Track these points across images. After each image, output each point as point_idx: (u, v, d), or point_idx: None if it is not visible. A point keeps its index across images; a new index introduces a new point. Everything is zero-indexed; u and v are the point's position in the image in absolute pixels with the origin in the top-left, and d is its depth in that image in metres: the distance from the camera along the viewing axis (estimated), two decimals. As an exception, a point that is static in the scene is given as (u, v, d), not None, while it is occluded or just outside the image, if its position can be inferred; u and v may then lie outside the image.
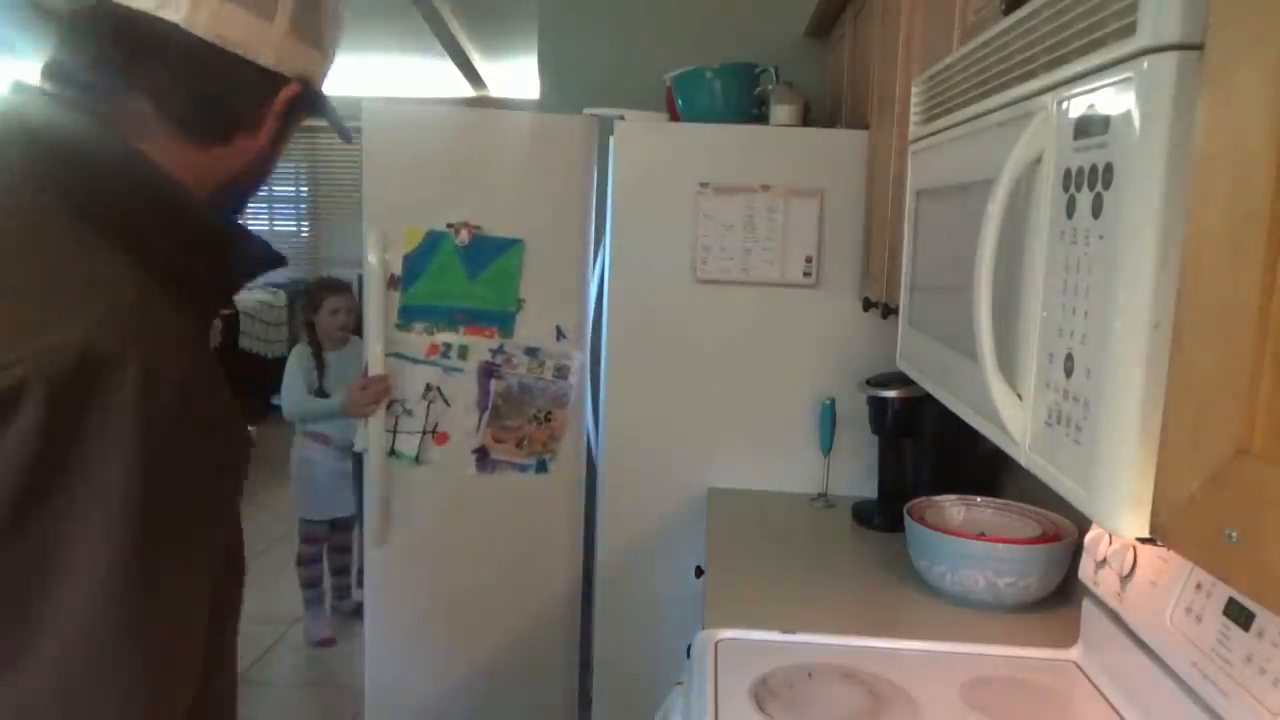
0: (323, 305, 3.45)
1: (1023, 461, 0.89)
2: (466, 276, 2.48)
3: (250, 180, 0.88)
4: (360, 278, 2.63)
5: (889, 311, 1.86)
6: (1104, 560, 1.34)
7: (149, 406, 0.67)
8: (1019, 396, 0.89)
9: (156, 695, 0.69)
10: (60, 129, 0.76)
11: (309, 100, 0.87)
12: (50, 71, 0.79)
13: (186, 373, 0.72)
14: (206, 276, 0.82)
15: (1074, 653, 1.48)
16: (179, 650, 0.72)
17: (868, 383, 2.17)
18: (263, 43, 0.80)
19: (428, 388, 2.49)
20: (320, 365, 3.37)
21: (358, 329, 3.12)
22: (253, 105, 0.83)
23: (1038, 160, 0.86)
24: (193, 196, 0.80)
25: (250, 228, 0.87)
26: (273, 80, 0.82)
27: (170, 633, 0.70)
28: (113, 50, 0.77)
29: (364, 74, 6.80)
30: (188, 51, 0.77)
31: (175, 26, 0.76)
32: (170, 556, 0.70)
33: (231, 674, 0.88)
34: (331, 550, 3.64)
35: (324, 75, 0.89)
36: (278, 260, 0.88)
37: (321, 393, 3.31)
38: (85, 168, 0.75)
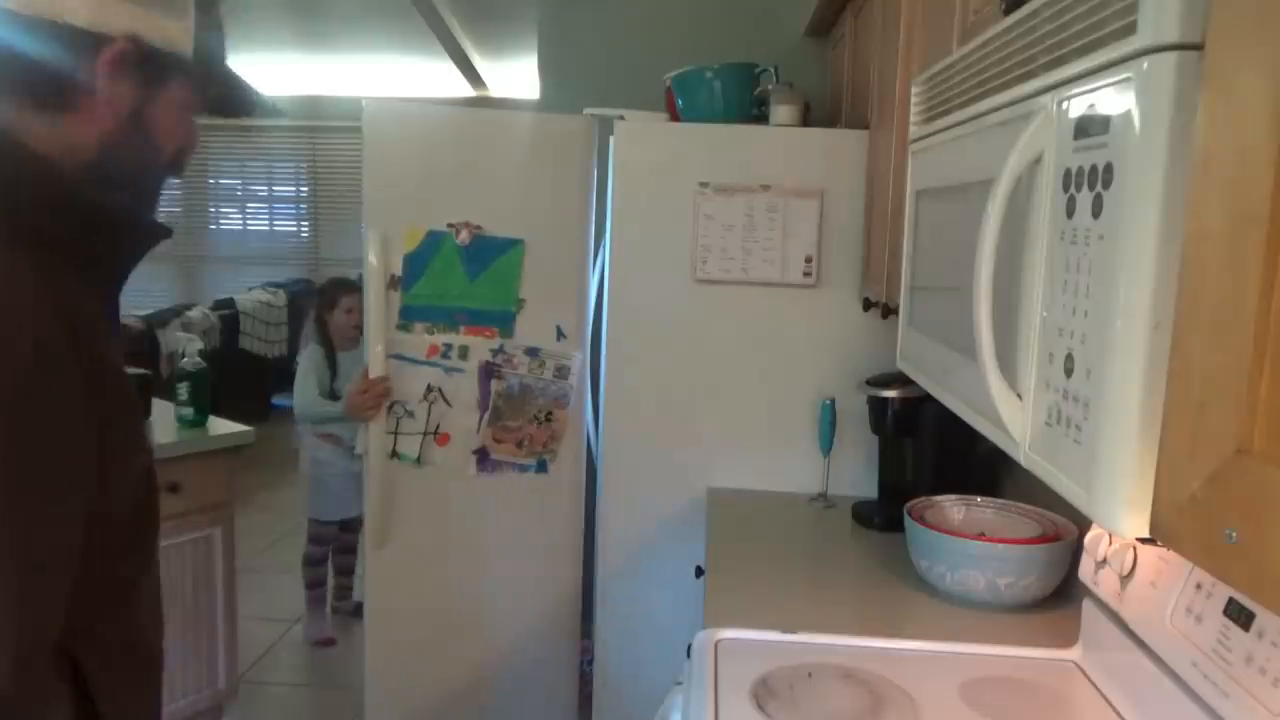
0: (338, 304, 3.43)
1: (1022, 461, 0.89)
2: (467, 277, 2.48)
3: (131, 149, 0.88)
4: (360, 278, 2.62)
5: (889, 311, 1.87)
6: (1104, 560, 1.34)
7: None
8: (1019, 396, 0.89)
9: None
10: None
11: (155, 59, 0.86)
12: None
13: (43, 332, 0.77)
14: (88, 245, 0.86)
15: (1074, 653, 1.48)
16: (45, 568, 0.78)
17: (868, 383, 2.17)
18: (71, 3, 0.81)
19: (429, 389, 2.49)
20: (333, 366, 3.37)
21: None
22: (78, 68, 0.83)
23: (1038, 160, 0.86)
24: (59, 167, 0.83)
25: (157, 207, 0.92)
26: (92, 40, 0.83)
27: (38, 556, 0.77)
28: None
29: (364, 74, 6.81)
30: (4, 26, 0.80)
31: None
32: (35, 496, 0.76)
33: (154, 587, 0.97)
34: (338, 551, 3.64)
35: (168, 32, 0.87)
36: (160, 230, 0.92)
37: (334, 394, 3.30)
38: None
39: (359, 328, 3.33)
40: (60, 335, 0.79)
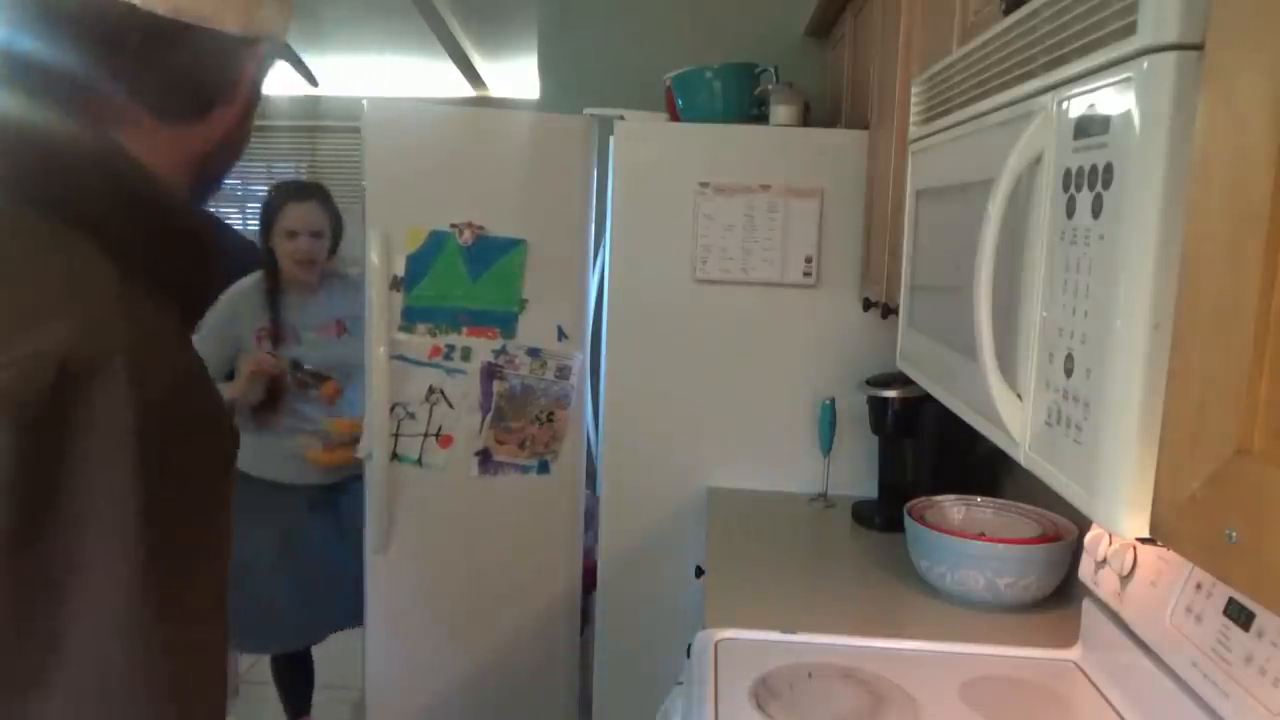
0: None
1: (1022, 461, 0.89)
2: (470, 277, 2.48)
3: (226, 155, 0.83)
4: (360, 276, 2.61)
5: (889, 311, 1.87)
6: (1104, 560, 1.34)
7: (138, 407, 0.63)
8: (1019, 396, 0.89)
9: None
10: (29, 122, 0.72)
11: (272, 51, 0.83)
12: (10, 62, 0.73)
13: (175, 372, 0.69)
14: (189, 275, 0.78)
15: (1074, 653, 1.48)
16: (198, 669, 0.67)
17: (868, 383, 2.17)
18: (224, 9, 0.75)
19: (430, 390, 2.49)
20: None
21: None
22: (226, 75, 0.79)
23: (1038, 160, 0.86)
24: (171, 190, 0.76)
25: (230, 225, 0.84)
26: (242, 45, 0.78)
27: (188, 651, 0.66)
28: (74, 39, 0.72)
29: (364, 74, 6.81)
30: (150, 32, 0.72)
31: (131, 8, 0.71)
32: (180, 568, 0.66)
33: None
34: None
35: (287, 28, 0.83)
36: (258, 259, 0.86)
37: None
38: (58, 162, 0.71)
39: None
40: (189, 374, 0.71)
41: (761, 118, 2.40)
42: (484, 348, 2.50)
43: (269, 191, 2.49)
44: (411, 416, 2.48)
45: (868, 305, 2.15)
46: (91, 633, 0.61)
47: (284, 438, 2.46)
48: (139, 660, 0.63)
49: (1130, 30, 0.68)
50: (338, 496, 2.58)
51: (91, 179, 0.72)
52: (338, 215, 2.56)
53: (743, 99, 2.42)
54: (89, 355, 0.63)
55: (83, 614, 0.61)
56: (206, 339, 2.25)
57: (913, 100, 1.39)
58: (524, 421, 2.54)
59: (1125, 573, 1.28)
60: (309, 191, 2.51)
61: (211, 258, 0.80)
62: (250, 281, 2.39)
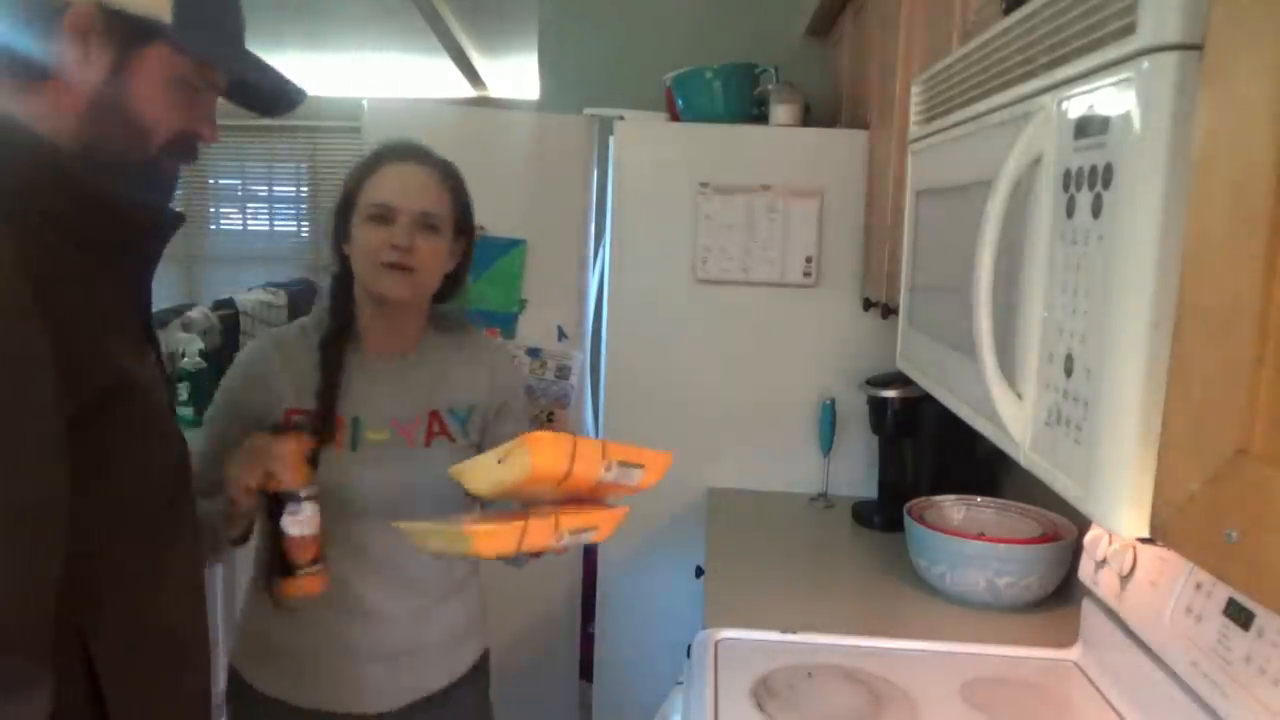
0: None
1: (1022, 461, 0.89)
2: (470, 277, 2.48)
3: (113, 123, 0.88)
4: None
5: (889, 311, 1.87)
6: (1104, 560, 1.34)
7: None
8: (1019, 396, 0.89)
9: None
10: None
11: (124, 23, 0.86)
12: None
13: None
14: (90, 226, 0.86)
15: (1074, 653, 1.48)
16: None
17: (868, 383, 2.17)
18: None
19: (428, 388, 2.49)
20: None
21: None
22: (42, 35, 0.84)
23: (1037, 160, 0.86)
24: (49, 143, 0.84)
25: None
26: (53, 5, 0.83)
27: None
28: None
29: (364, 74, 6.80)
30: None
31: None
32: None
33: (187, 574, 0.98)
34: None
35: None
36: (171, 217, 0.95)
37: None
38: None
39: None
40: (20, 296, 0.77)
41: (761, 118, 2.40)
42: (484, 348, 2.50)
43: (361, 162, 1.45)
44: (411, 416, 2.48)
45: (868, 305, 2.15)
46: None
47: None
48: None
49: (1130, 30, 0.68)
50: None
51: None
52: (468, 209, 1.53)
53: (743, 99, 2.42)
54: None
55: None
56: (231, 387, 1.39)
57: (913, 100, 1.39)
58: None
59: (1125, 573, 1.28)
60: (423, 154, 1.46)
61: (107, 210, 0.88)
62: (310, 322, 1.42)
